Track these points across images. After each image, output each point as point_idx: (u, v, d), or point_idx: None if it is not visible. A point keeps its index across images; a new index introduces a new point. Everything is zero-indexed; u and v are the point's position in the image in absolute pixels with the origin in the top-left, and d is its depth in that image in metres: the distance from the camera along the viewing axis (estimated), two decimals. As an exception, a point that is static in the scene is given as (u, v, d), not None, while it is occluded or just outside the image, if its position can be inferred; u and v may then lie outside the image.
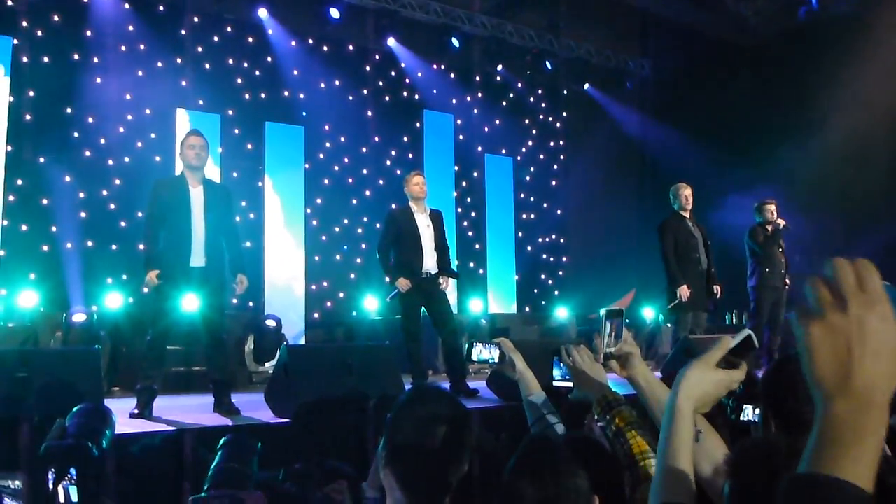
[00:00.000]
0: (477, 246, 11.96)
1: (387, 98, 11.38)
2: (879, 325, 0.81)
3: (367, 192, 11.00)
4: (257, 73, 10.22)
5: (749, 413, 2.51)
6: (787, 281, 8.08)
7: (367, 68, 11.22)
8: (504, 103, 12.58)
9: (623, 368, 2.04)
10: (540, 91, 13.01)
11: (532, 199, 12.82)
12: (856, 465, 0.80)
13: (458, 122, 12.00)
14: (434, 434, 1.81)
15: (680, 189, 7.54)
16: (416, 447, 1.82)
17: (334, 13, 10.36)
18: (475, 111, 12.20)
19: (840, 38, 10.26)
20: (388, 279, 6.68)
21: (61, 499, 2.42)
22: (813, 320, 0.83)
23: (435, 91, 11.73)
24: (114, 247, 8.72)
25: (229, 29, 10.06)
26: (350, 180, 10.93)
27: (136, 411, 5.03)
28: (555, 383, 2.57)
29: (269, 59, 10.29)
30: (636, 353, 2.04)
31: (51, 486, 2.39)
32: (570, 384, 2.37)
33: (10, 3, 8.45)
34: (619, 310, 2.13)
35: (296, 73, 10.45)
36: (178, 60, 9.53)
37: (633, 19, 13.15)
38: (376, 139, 11.17)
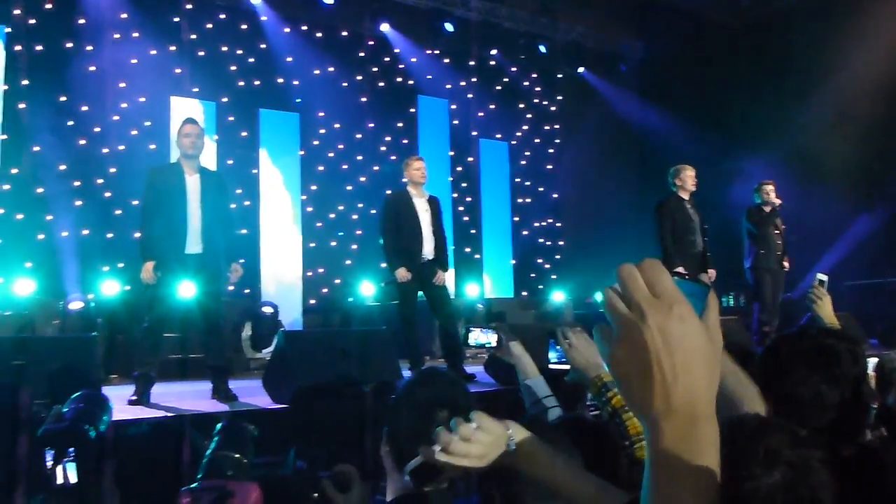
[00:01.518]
0: (473, 231, 11.97)
1: (381, 84, 11.35)
2: (681, 328, 0.74)
3: (362, 179, 10.99)
4: (251, 60, 10.17)
5: None
6: (786, 263, 8.09)
7: (361, 54, 11.19)
8: (498, 88, 12.55)
9: None
10: (534, 75, 12.98)
11: (527, 183, 12.81)
12: (696, 487, 0.74)
13: (453, 107, 11.99)
14: (434, 417, 1.82)
15: (682, 171, 7.51)
16: (415, 430, 1.83)
17: (327, -1, 10.32)
18: (469, 96, 12.18)
19: (833, 17, 10.26)
20: (385, 265, 6.68)
21: (60, 479, 2.45)
22: (614, 342, 0.76)
23: (429, 76, 11.70)
24: (109, 235, 8.71)
25: (222, 16, 10.01)
26: (345, 166, 10.91)
27: (134, 398, 5.04)
28: (551, 366, 2.59)
29: (263, 45, 10.25)
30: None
31: (49, 466, 2.42)
32: (567, 366, 2.39)
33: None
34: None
35: (289, 59, 10.41)
36: (172, 48, 9.49)
37: (626, 2, 13.11)
38: (371, 125, 11.15)
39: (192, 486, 2.03)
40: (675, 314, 0.75)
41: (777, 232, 8.08)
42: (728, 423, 1.48)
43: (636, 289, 0.76)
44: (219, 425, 2.35)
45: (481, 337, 2.82)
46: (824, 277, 3.03)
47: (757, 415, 1.38)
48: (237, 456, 2.30)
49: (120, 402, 4.54)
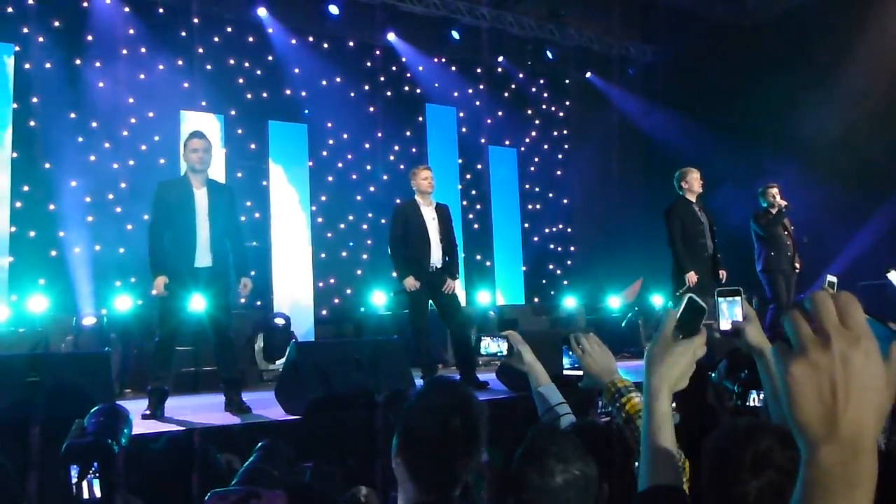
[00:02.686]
0: (483, 238, 11.96)
1: (388, 93, 11.37)
2: (864, 362, 0.75)
3: (372, 188, 11.01)
4: (259, 72, 10.23)
5: (754, 398, 2.51)
6: (797, 264, 8.05)
7: (368, 64, 11.22)
8: (506, 94, 12.56)
9: (741, 343, 2.02)
10: (542, 81, 12.98)
11: (537, 189, 12.80)
12: None
13: (461, 114, 11.99)
14: (446, 426, 1.81)
15: (688, 173, 7.49)
16: (428, 438, 1.82)
17: (333, 10, 10.36)
18: (477, 103, 12.19)
19: (841, 15, 10.21)
20: (395, 275, 6.68)
21: (86, 494, 2.46)
22: (794, 358, 0.77)
23: (437, 84, 11.72)
24: (121, 250, 8.75)
25: (229, 29, 10.07)
26: (354, 176, 10.94)
27: (147, 412, 5.05)
28: (564, 372, 2.57)
29: (270, 57, 10.30)
30: (753, 327, 2.03)
31: (74, 482, 2.43)
32: (580, 372, 2.37)
33: (10, 10, 8.47)
34: (736, 288, 2.13)
35: (297, 71, 10.45)
36: (180, 62, 9.55)
37: (632, 5, 13.10)
38: (379, 135, 11.17)
39: (222, 490, 2.05)
40: (862, 347, 0.75)
41: (786, 233, 8.05)
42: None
43: (827, 315, 0.77)
44: (260, 443, 2.40)
45: (492, 345, 2.81)
46: (834, 279, 3.01)
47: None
48: (271, 470, 2.34)
49: (134, 416, 4.54)
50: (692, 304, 1.51)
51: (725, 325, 2.05)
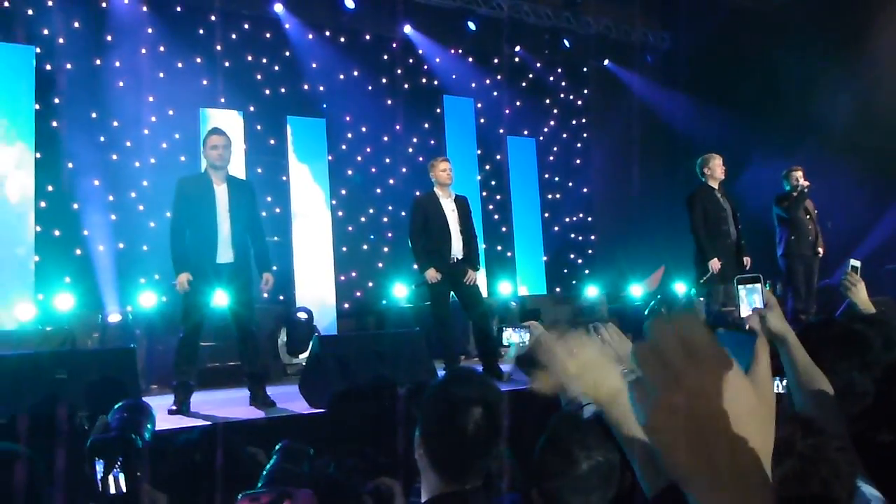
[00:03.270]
0: (503, 228, 11.94)
1: (406, 85, 11.37)
2: (721, 390, 0.65)
3: (391, 181, 11.02)
4: (276, 68, 10.25)
5: (778, 385, 2.49)
6: (820, 248, 7.96)
7: (385, 57, 11.21)
8: (524, 84, 12.51)
9: (763, 330, 2.01)
10: (560, 70, 12.92)
11: (557, 178, 12.76)
12: None
13: (479, 105, 11.96)
14: (466, 416, 1.82)
15: (711, 160, 7.44)
16: (447, 429, 1.83)
17: (349, 3, 10.36)
18: (495, 93, 12.15)
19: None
20: (416, 267, 6.70)
21: (112, 489, 2.51)
22: (650, 409, 0.66)
23: (454, 76, 11.71)
24: (144, 247, 8.83)
25: (246, 26, 10.11)
26: (373, 170, 10.96)
27: (174, 407, 5.12)
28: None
29: (288, 53, 10.32)
30: (776, 313, 2.01)
31: (99, 476, 2.48)
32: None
33: (30, 12, 8.55)
34: (756, 276, 2.11)
35: (314, 65, 10.48)
36: (198, 60, 9.60)
37: (650, -8, 12.99)
38: (397, 127, 11.17)
39: (253, 491, 2.08)
40: (714, 377, 0.66)
41: (808, 217, 7.95)
42: None
43: (669, 349, 0.67)
44: (278, 445, 2.44)
45: (514, 336, 2.81)
46: (857, 263, 2.98)
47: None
48: (295, 469, 2.38)
49: (160, 411, 4.59)
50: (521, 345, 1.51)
51: (746, 311, 2.03)
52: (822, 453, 1.20)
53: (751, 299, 2.08)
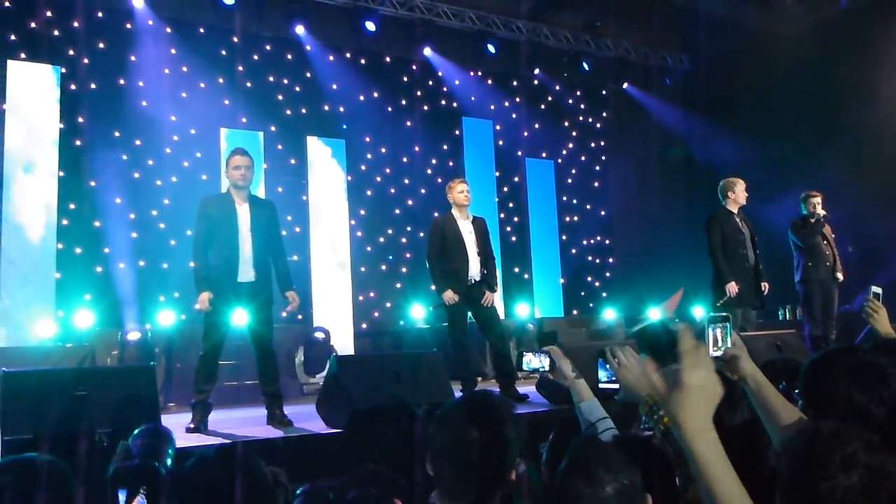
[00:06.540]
0: (521, 250, 11.94)
1: (425, 107, 11.43)
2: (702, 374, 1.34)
3: (410, 202, 11.07)
4: (297, 88, 10.35)
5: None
6: (840, 274, 7.87)
7: (405, 79, 11.29)
8: (543, 106, 12.56)
9: (732, 371, 2.00)
10: (578, 92, 12.96)
11: (575, 201, 12.75)
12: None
13: (498, 127, 12.01)
14: (463, 438, 1.85)
15: (735, 184, 7.40)
16: (447, 450, 1.87)
17: (370, 26, 10.45)
18: (514, 116, 12.20)
19: (884, 19, 10.04)
20: (434, 288, 6.70)
21: (136, 517, 2.52)
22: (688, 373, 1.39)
23: (473, 98, 11.77)
24: (165, 265, 8.89)
25: (268, 47, 10.22)
26: (392, 190, 11.01)
27: (192, 425, 5.13)
28: (601, 385, 2.56)
29: (308, 74, 10.42)
30: (744, 355, 2.00)
31: (123, 504, 2.49)
32: (617, 385, 2.36)
33: (56, 33, 8.70)
34: (725, 315, 2.12)
35: (335, 87, 10.57)
36: (220, 80, 9.70)
37: (669, 15, 13.01)
38: (416, 149, 11.23)
39: None
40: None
41: (826, 242, 7.87)
42: (803, 430, 1.46)
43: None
44: (299, 490, 2.46)
45: (534, 361, 2.81)
46: (879, 290, 2.95)
47: (832, 422, 1.37)
48: None
49: (178, 429, 4.61)
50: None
51: (716, 352, 2.02)
52: (889, 467, 1.23)
53: (721, 339, 2.07)
